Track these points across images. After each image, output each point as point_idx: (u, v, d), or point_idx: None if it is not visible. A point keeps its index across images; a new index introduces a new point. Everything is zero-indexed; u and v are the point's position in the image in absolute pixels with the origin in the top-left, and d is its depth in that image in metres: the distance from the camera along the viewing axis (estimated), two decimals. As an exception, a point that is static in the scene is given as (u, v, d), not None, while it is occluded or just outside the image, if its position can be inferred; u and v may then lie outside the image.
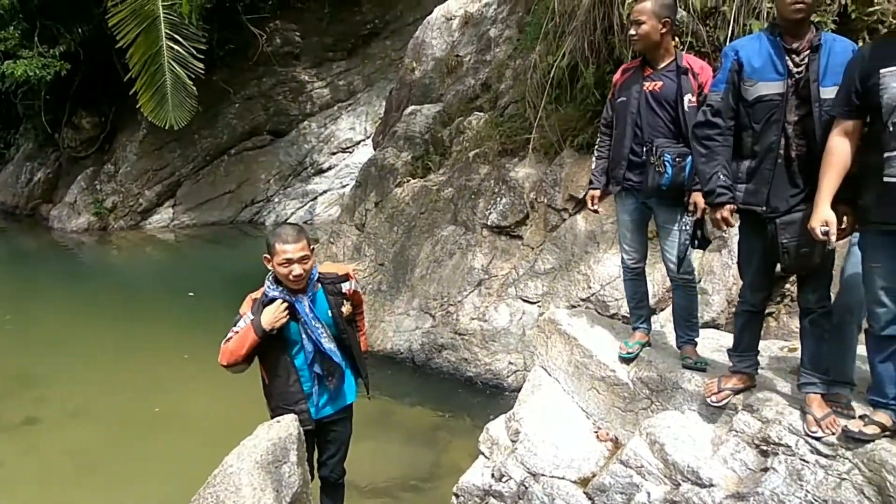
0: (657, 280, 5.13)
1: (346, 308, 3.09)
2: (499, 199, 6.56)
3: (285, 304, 2.87)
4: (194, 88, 10.58)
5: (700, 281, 5.17)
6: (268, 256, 2.92)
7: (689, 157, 3.04)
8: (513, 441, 3.43)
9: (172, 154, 13.94)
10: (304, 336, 2.92)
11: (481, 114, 7.67)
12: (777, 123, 2.57)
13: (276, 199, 13.97)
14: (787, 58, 2.56)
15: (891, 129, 2.25)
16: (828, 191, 2.38)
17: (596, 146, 3.65)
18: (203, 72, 10.61)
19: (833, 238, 2.38)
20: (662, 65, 3.28)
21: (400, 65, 10.89)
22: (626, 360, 3.48)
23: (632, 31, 3.28)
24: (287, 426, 2.63)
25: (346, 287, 3.11)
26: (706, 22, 4.69)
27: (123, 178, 13.92)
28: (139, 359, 6.84)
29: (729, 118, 2.68)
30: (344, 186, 13.17)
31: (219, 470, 2.56)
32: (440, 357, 6.12)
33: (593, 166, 3.63)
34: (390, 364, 6.33)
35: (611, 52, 5.52)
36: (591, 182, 3.62)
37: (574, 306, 5.60)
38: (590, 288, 5.67)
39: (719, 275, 5.22)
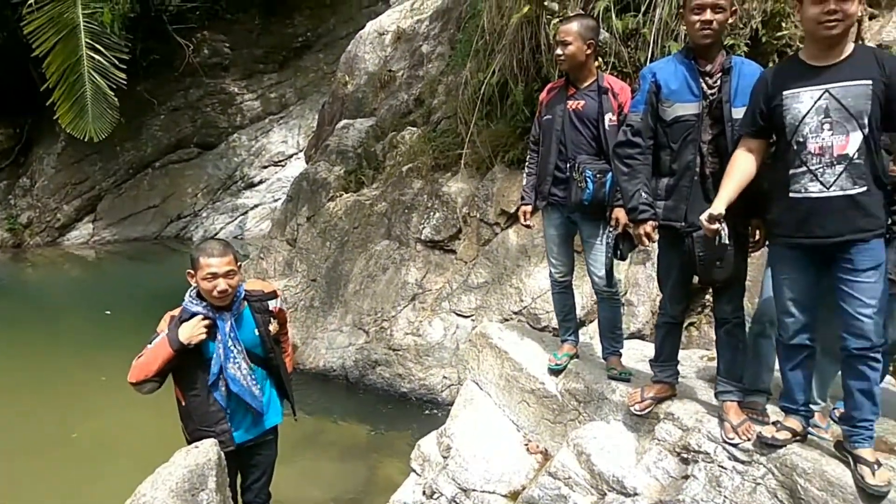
0: (586, 293, 5.23)
1: (272, 326, 3.02)
2: (432, 213, 6.58)
3: (207, 321, 2.77)
4: (116, 99, 10.19)
5: (625, 293, 5.32)
6: (191, 272, 2.81)
7: (610, 174, 3.13)
8: (444, 457, 3.41)
9: (93, 167, 13.37)
10: (215, 356, 2.81)
11: (414, 129, 7.70)
12: (693, 143, 2.68)
13: (204, 214, 13.58)
14: (701, 80, 2.67)
15: (795, 147, 2.38)
16: (725, 193, 2.49)
17: (526, 163, 3.72)
18: (125, 82, 10.25)
19: (725, 232, 2.48)
20: (585, 84, 3.38)
21: (333, 78, 10.82)
22: (554, 371, 3.53)
23: (558, 52, 3.35)
24: (206, 451, 2.52)
25: (272, 304, 3.03)
26: (627, 43, 4.87)
27: (40, 192, 13.24)
28: (54, 381, 6.48)
29: (648, 138, 2.77)
30: (276, 201, 12.94)
31: (131, 500, 2.43)
32: (374, 373, 6.05)
33: (524, 183, 3.70)
34: (322, 381, 6.21)
35: (538, 70, 5.64)
36: (522, 198, 3.68)
37: (506, 319, 5.66)
38: (521, 301, 5.74)
39: (644, 287, 5.39)
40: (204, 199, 13.63)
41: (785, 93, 2.38)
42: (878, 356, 2.33)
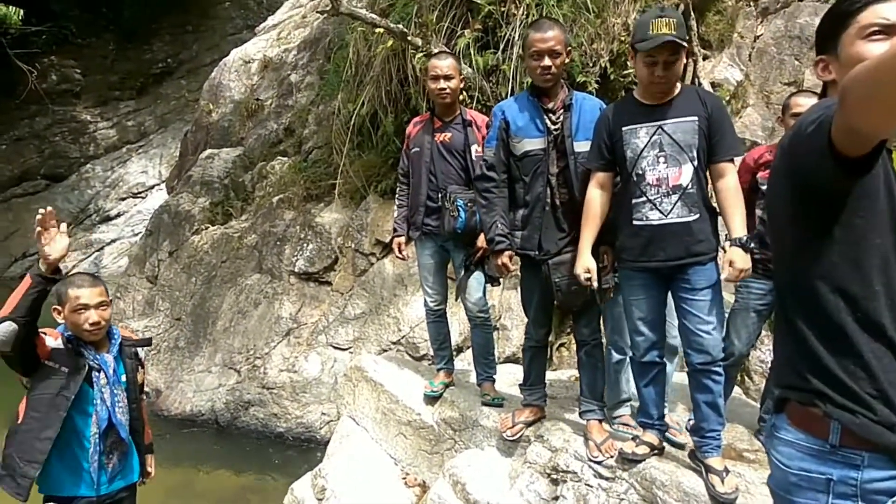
0: (462, 319, 5.31)
1: (140, 375, 2.82)
2: (305, 244, 6.45)
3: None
4: (-56, 128, 9.18)
5: (499, 318, 5.46)
6: (58, 307, 2.55)
7: None
8: (319, 499, 3.30)
9: (-82, 203, 11.92)
10: (99, 402, 2.56)
11: (285, 158, 7.54)
12: (542, 175, 2.82)
13: (54, 252, 12.43)
14: (545, 116, 2.83)
15: (635, 178, 2.57)
16: (587, 240, 2.65)
17: (396, 195, 3.75)
18: (-44, 109, 9.27)
19: (595, 283, 2.63)
20: (450, 118, 3.47)
21: (196, 106, 10.38)
22: (430, 398, 3.54)
23: (442, 85, 3.37)
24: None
25: (142, 353, 2.84)
26: (489, 78, 5.07)
27: None
28: None
29: (502, 171, 2.89)
30: (135, 235, 12.11)
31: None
32: (247, 415, 5.78)
33: (395, 215, 3.72)
34: (190, 427, 5.83)
35: (407, 101, 5.73)
36: (395, 230, 3.69)
37: (385, 350, 5.62)
38: (400, 330, 5.73)
39: (517, 311, 5.55)
40: (53, 235, 12.48)
41: (624, 129, 2.57)
42: (720, 369, 2.53)
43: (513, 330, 5.52)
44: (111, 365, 2.62)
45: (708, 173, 2.58)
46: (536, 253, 2.84)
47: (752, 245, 2.42)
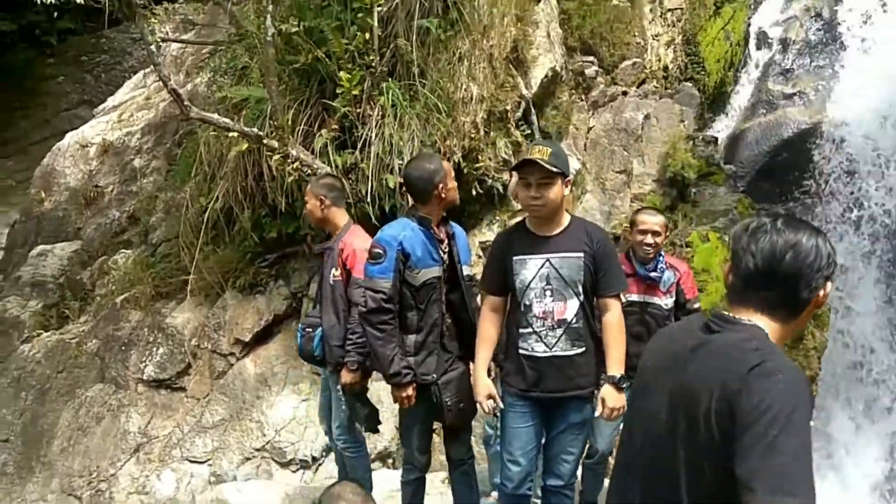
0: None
1: None
2: (155, 348, 6.00)
3: None
4: None
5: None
6: None
7: (320, 329, 3.20)
8: None
9: None
10: None
11: (129, 251, 7.04)
12: (438, 302, 2.86)
13: None
14: (438, 247, 2.88)
15: (522, 308, 2.64)
16: (482, 362, 2.70)
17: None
18: None
19: (500, 405, 2.67)
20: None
21: (24, 191, 9.48)
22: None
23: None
24: None
25: None
26: (348, 176, 5.11)
27: None
28: None
29: (397, 302, 2.83)
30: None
31: None
32: (91, 548, 5.17)
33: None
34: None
35: (265, 197, 5.61)
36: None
37: (249, 458, 5.31)
38: (264, 435, 5.45)
39: (387, 402, 5.47)
40: None
41: (514, 258, 2.64)
42: (570, 493, 2.65)
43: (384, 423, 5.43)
44: None
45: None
46: (433, 377, 2.81)
47: (625, 384, 2.47)
